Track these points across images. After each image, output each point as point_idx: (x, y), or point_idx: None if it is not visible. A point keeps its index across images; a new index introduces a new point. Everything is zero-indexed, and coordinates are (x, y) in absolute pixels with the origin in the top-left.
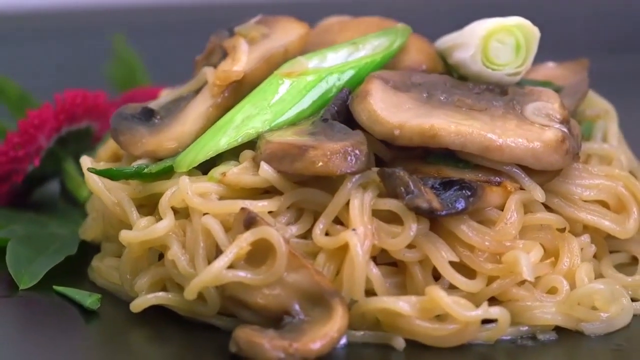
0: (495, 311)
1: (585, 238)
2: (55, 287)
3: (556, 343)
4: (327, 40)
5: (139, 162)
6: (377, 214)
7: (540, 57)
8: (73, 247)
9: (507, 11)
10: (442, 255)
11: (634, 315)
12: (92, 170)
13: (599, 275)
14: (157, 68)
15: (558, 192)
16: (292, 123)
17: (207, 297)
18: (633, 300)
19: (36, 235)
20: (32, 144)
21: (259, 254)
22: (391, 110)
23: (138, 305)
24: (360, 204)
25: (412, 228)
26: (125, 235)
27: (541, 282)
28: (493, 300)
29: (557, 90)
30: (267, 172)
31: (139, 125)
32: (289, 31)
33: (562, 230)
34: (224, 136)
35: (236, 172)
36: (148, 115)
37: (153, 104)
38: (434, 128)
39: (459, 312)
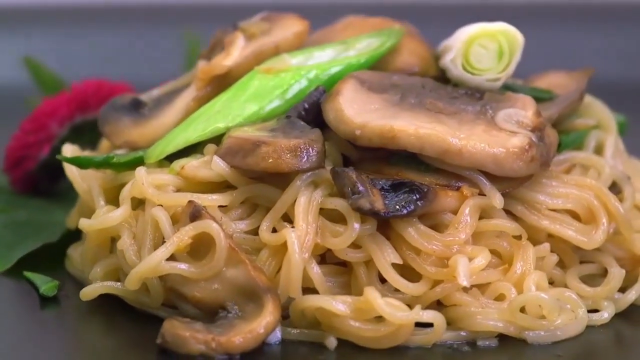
0: (429, 315)
1: (545, 246)
2: (25, 272)
3: (495, 350)
4: (330, 39)
5: (117, 152)
6: (327, 213)
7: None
8: (54, 235)
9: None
10: (384, 257)
11: (592, 326)
12: (61, 158)
13: (563, 285)
14: None
15: (524, 199)
16: (265, 119)
17: (150, 288)
18: (594, 310)
19: (25, 222)
20: (44, 131)
21: (203, 247)
22: (358, 110)
23: (87, 293)
24: (306, 201)
25: (355, 228)
26: (82, 223)
27: (490, 288)
28: (441, 305)
29: (551, 98)
30: (219, 167)
31: (125, 116)
32: (287, 28)
33: (519, 237)
34: (194, 129)
35: (194, 166)
36: (136, 107)
37: (145, 96)
38: (393, 130)
39: (390, 313)
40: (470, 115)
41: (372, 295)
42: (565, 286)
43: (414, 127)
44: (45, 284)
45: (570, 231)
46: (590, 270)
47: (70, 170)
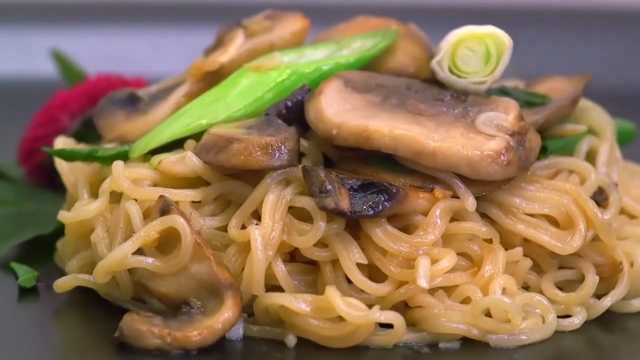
0: (388, 315)
1: (517, 250)
2: (12, 263)
3: (455, 352)
4: (332, 38)
5: (108, 145)
6: (299, 211)
7: None
8: (48, 227)
9: None
10: (349, 256)
11: (562, 332)
12: (47, 150)
13: (539, 290)
14: None
15: (500, 203)
16: (249, 117)
17: (119, 281)
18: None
19: (29, 213)
20: (55, 124)
21: (172, 242)
22: (337, 110)
23: (60, 285)
24: (275, 199)
25: (320, 227)
26: (60, 215)
27: (456, 291)
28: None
29: (544, 103)
30: (192, 162)
31: (119, 110)
32: (286, 27)
33: (490, 241)
34: (178, 125)
35: (170, 161)
36: (132, 102)
37: (142, 91)
38: (368, 130)
39: (347, 313)
40: (450, 118)
41: (332, 294)
42: (541, 291)
43: (388, 127)
44: (24, 275)
45: (545, 236)
46: (569, 275)
47: (60, 163)
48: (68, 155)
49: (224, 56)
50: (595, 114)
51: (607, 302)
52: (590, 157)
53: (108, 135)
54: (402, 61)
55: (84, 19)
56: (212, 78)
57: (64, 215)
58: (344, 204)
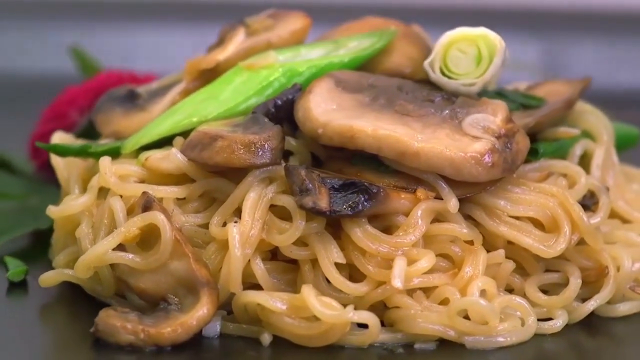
0: (362, 315)
1: (500, 253)
2: (6, 257)
3: (430, 353)
4: (333, 38)
5: (103, 141)
6: (281, 210)
7: None
8: (48, 222)
9: None
10: (327, 256)
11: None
12: (41, 145)
13: (522, 292)
14: None
15: (484, 204)
16: (241, 115)
17: (101, 277)
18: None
19: (32, 208)
20: (63, 120)
21: (153, 239)
22: (325, 109)
23: (45, 280)
24: (256, 197)
25: (299, 225)
26: (48, 210)
27: (435, 292)
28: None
29: (539, 105)
30: (176, 159)
31: (118, 106)
32: (287, 26)
33: (471, 242)
34: (170, 122)
35: (157, 158)
36: (131, 98)
37: (142, 88)
38: (353, 130)
39: (321, 311)
40: (437, 119)
41: (307, 293)
42: (525, 294)
43: (372, 127)
44: (13, 269)
45: (528, 239)
46: (554, 279)
47: (55, 159)
48: (61, 151)
49: (221, 54)
50: (592, 117)
51: (590, 305)
52: (586, 160)
53: (104, 131)
54: (399, 62)
55: (103, 15)
56: (210, 76)
57: (51, 210)
58: (323, 203)
